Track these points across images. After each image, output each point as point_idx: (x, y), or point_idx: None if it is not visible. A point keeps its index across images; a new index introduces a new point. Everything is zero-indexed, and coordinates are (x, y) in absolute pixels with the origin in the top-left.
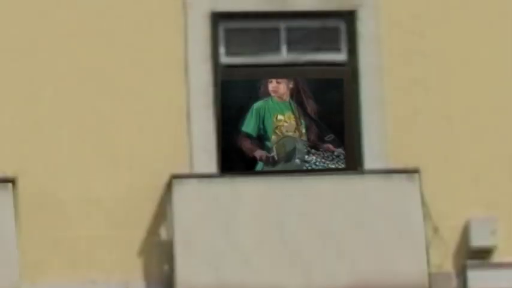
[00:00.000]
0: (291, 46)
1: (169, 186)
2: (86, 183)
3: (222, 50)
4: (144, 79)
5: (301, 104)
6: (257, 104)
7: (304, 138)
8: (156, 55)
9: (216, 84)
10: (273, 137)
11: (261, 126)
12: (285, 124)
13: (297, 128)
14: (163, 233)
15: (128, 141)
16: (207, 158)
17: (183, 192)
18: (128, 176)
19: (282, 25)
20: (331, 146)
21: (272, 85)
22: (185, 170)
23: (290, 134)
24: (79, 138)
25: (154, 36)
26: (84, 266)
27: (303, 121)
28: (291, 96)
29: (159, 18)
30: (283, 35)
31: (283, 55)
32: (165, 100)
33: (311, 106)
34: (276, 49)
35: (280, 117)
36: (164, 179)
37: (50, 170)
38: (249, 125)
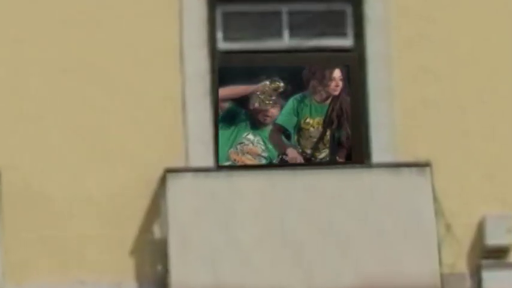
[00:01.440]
0: (294, 31)
1: (163, 181)
2: (75, 178)
3: (219, 35)
4: (136, 67)
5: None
6: (296, 97)
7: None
8: (149, 41)
9: (213, 71)
10: (295, 138)
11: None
12: (311, 129)
13: (321, 138)
14: (156, 231)
15: (119, 134)
16: (204, 151)
17: (177, 187)
18: (120, 170)
19: (284, 8)
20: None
21: (333, 83)
22: (180, 164)
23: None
24: (68, 130)
25: (147, 21)
26: (74, 266)
27: (328, 132)
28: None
29: (152, 1)
30: (285, 19)
31: (285, 40)
32: (159, 89)
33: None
34: (278, 34)
35: (309, 120)
36: (158, 173)
37: (37, 164)
38: (284, 117)
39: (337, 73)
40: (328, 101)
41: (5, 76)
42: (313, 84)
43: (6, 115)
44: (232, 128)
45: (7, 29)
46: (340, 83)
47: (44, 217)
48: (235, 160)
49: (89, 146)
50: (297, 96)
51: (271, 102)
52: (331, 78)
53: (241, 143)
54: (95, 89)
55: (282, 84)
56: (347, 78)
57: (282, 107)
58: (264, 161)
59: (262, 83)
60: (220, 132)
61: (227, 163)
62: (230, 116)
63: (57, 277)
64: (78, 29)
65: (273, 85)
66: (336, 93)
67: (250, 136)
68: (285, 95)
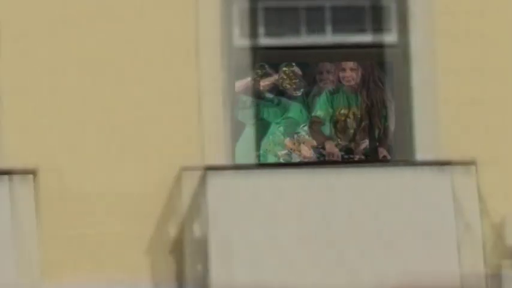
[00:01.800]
0: (336, 26)
1: (203, 179)
2: (111, 176)
3: (236, 31)
4: (151, 63)
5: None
6: (329, 89)
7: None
8: (164, 38)
9: (229, 66)
10: (332, 130)
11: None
12: (348, 120)
13: (358, 129)
14: (196, 230)
15: (135, 132)
16: (220, 148)
17: (217, 185)
18: (158, 168)
19: (327, 3)
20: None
21: (345, 73)
22: (197, 161)
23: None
24: (103, 128)
25: (161, 16)
26: (111, 266)
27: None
28: (362, 86)
29: None
30: (328, 14)
31: (328, 36)
32: (175, 87)
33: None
34: (321, 30)
35: (343, 111)
36: (174, 171)
37: (73, 163)
38: (320, 109)
39: (348, 64)
40: (358, 88)
41: (40, 75)
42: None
43: (42, 114)
44: (264, 119)
45: (42, 26)
46: (353, 74)
47: (80, 216)
48: (291, 149)
49: (124, 143)
50: (330, 88)
51: (295, 85)
52: (342, 69)
53: (298, 132)
54: (125, 86)
55: (295, 67)
56: (379, 72)
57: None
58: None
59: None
60: (250, 127)
61: (283, 151)
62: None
63: (94, 276)
64: (93, 24)
65: (289, 68)
66: (350, 83)
67: (307, 128)
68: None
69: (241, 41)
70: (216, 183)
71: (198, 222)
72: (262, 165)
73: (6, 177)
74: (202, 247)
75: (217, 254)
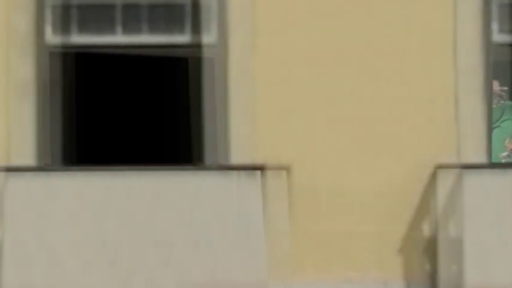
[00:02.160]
0: None
1: (459, 178)
2: (364, 174)
3: (494, 26)
4: (407, 57)
5: None
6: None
7: None
8: (421, 33)
9: (487, 64)
10: None
11: None
12: None
13: None
14: (426, 229)
15: (389, 129)
16: (477, 147)
17: (474, 184)
18: (390, 165)
19: None
20: None
21: None
22: (452, 160)
23: None
24: (348, 124)
25: (418, 11)
26: (340, 264)
27: None
28: None
29: None
30: None
31: None
32: (432, 83)
33: None
34: None
35: None
36: (428, 169)
37: (326, 159)
38: None
39: None
40: None
41: (294, 70)
42: None
43: (295, 110)
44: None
45: (272, 19)
46: None
47: (331, 213)
48: (511, 150)
49: (378, 140)
50: None
51: None
52: None
53: None
54: (367, 78)
55: None
56: None
57: None
58: None
59: None
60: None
61: (504, 153)
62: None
63: (322, 274)
64: (346, 18)
65: None
66: None
67: None
68: None
69: (500, 37)
70: (473, 182)
71: (453, 221)
72: (494, 165)
73: (258, 172)
74: (457, 247)
75: (473, 254)
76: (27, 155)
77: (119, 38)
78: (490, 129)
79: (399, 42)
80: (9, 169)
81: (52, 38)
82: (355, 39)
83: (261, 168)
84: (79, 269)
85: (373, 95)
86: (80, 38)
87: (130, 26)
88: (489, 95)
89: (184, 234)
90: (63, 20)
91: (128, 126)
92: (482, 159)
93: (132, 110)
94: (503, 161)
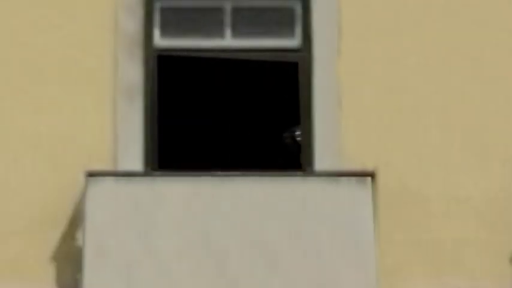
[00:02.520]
0: None
1: None
2: (452, 178)
3: None
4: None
5: None
6: None
7: None
8: None
9: None
10: None
11: None
12: None
13: None
14: None
15: (498, 132)
16: None
17: None
18: (499, 171)
19: None
20: None
21: None
22: None
23: None
24: (446, 128)
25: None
26: (449, 273)
27: None
28: None
29: None
30: None
31: None
32: None
33: None
34: None
35: None
36: None
37: (414, 163)
38: None
39: None
40: None
41: (379, 75)
42: None
43: (380, 114)
44: None
45: (383, 25)
46: None
47: (419, 219)
48: None
49: (467, 145)
50: None
51: None
52: None
53: None
54: (475, 84)
55: None
56: None
57: None
58: None
59: None
60: None
61: None
62: None
63: (431, 283)
64: (440, 20)
65: None
66: None
67: None
68: None
69: None
70: None
71: None
72: None
73: (369, 179)
74: None
75: None
76: (134, 159)
77: (227, 41)
78: None
79: (494, 43)
80: (117, 174)
81: (160, 41)
82: (441, 42)
83: (371, 174)
84: (184, 278)
85: (459, 97)
86: (188, 42)
87: (239, 29)
88: None
89: (292, 242)
90: (172, 23)
91: (235, 131)
92: None
93: (237, 114)
94: None
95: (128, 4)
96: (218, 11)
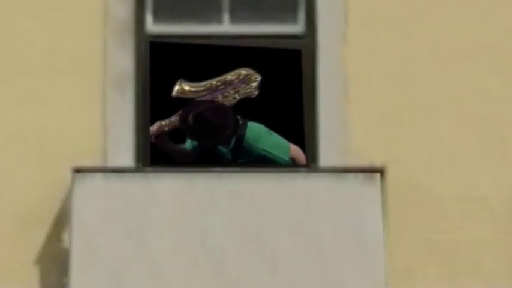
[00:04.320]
0: None
1: None
2: (466, 177)
3: None
4: None
5: None
6: None
7: None
8: None
9: None
10: None
11: None
12: None
13: None
14: None
15: None
16: None
17: None
18: None
19: None
20: None
21: None
22: None
23: None
24: (460, 121)
25: None
26: (464, 275)
27: None
28: None
29: None
30: None
31: None
32: None
33: None
34: None
35: None
36: None
37: (425, 160)
38: None
39: None
40: None
41: (387, 65)
42: None
43: (389, 108)
44: None
45: (391, 11)
46: None
47: (431, 219)
48: None
49: (482, 143)
50: None
51: None
52: None
53: None
54: (492, 78)
55: None
56: None
57: None
58: None
59: None
60: None
61: None
62: None
63: (445, 286)
64: (454, 9)
65: None
66: None
67: None
68: None
69: None
70: None
71: None
72: None
73: (377, 175)
74: None
75: None
76: (125, 155)
77: (225, 27)
78: None
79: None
80: (106, 170)
81: (153, 27)
82: (481, 34)
83: (380, 171)
84: (179, 280)
85: (474, 92)
86: (183, 28)
87: (238, 14)
88: None
89: (293, 241)
90: (166, 8)
91: None
92: None
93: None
94: None
95: None
96: None
